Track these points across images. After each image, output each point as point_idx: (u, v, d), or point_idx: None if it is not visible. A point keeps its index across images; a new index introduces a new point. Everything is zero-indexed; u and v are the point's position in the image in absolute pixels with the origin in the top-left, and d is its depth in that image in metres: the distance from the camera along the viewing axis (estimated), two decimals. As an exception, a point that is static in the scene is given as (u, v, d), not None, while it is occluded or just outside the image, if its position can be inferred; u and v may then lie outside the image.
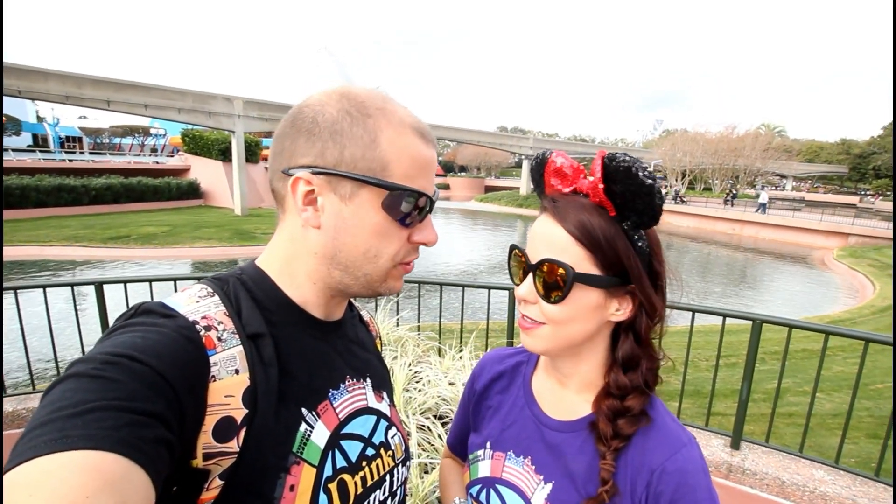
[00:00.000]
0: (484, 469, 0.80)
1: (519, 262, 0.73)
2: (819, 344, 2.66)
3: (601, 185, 0.64)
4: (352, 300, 0.81)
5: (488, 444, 0.81)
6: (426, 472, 2.12)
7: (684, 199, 37.13)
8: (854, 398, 2.66)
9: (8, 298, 3.45)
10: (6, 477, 0.36)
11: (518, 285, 0.72)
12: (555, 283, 0.66)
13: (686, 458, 0.65)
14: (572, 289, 0.65)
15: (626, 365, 0.70)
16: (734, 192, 39.79)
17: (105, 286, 3.43)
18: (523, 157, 47.32)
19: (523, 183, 46.99)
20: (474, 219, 36.02)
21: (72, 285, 3.43)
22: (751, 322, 2.79)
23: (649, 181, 0.61)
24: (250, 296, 0.62)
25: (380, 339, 0.93)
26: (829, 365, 6.50)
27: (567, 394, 0.77)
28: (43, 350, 3.75)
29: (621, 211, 0.65)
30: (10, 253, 16.53)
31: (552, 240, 0.67)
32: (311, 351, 0.65)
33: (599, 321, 0.69)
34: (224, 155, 31.10)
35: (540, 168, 0.72)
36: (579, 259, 0.65)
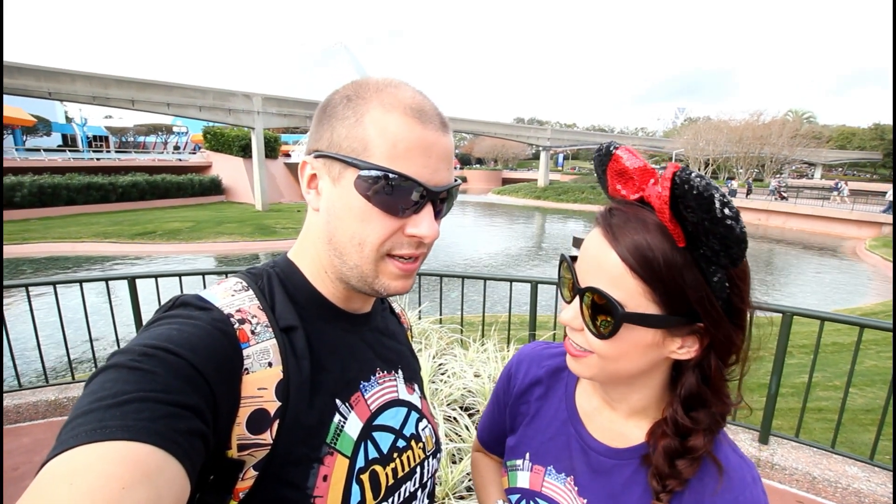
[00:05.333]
0: (523, 480, 0.77)
1: (568, 278, 0.63)
2: (850, 337, 2.58)
3: (667, 211, 0.52)
4: None
5: (527, 455, 0.77)
6: (454, 462, 2.15)
7: (784, 195, 30.58)
8: (891, 393, 2.58)
9: (47, 293, 3.61)
10: (49, 465, 0.38)
11: (567, 301, 0.63)
12: (603, 314, 0.57)
13: (751, 502, 0.59)
14: (622, 328, 0.56)
15: (689, 404, 0.61)
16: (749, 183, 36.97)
17: (137, 280, 3.56)
18: (541, 148, 46.74)
19: (541, 175, 46.43)
20: (492, 211, 35.81)
21: (106, 280, 3.56)
22: (780, 315, 2.73)
23: (730, 221, 0.49)
24: (283, 289, 0.64)
25: (410, 331, 0.93)
26: (861, 359, 6.27)
27: (615, 417, 0.69)
28: (78, 342, 3.91)
29: (692, 240, 0.53)
30: (45, 249, 17.19)
31: (602, 265, 0.56)
32: (341, 343, 0.66)
33: (655, 358, 0.60)
34: (244, 151, 31.60)
35: (602, 165, 0.61)
36: (633, 293, 0.54)
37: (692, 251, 0.54)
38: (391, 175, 0.56)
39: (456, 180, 0.64)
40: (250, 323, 0.57)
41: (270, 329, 0.58)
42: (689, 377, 0.60)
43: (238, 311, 0.57)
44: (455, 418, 2.37)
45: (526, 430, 0.80)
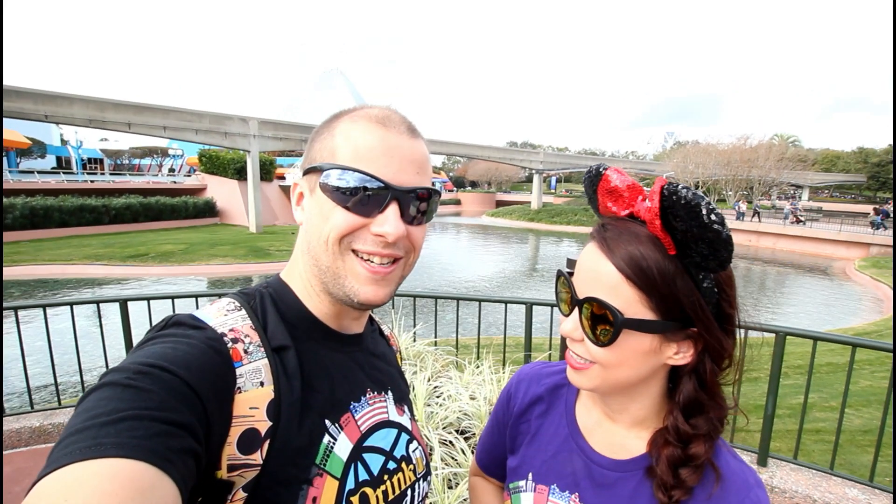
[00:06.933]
0: (526, 501, 0.76)
1: (566, 292, 0.66)
2: (844, 358, 2.60)
3: (657, 222, 0.56)
4: (371, 314, 0.82)
5: (530, 476, 0.76)
6: (450, 487, 2.10)
7: (801, 219, 29.20)
8: (886, 413, 2.58)
9: (36, 316, 3.55)
10: (42, 482, 0.37)
11: (565, 315, 0.66)
12: (602, 323, 0.59)
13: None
14: (621, 334, 0.58)
15: (688, 411, 0.63)
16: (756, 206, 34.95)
17: (129, 303, 3.51)
18: (534, 171, 47.39)
19: (534, 197, 46.95)
20: (486, 234, 35.99)
21: (97, 302, 3.52)
22: (774, 335, 2.75)
23: (717, 226, 0.52)
24: (276, 309, 0.65)
25: (400, 354, 0.93)
26: (856, 379, 6.29)
27: (616, 429, 0.70)
28: (65, 366, 3.82)
29: (682, 248, 0.56)
30: (34, 272, 16.94)
31: (599, 276, 0.59)
32: (332, 363, 0.67)
33: (654, 365, 0.62)
34: (239, 174, 31.76)
35: (593, 185, 0.65)
36: (630, 301, 0.57)
37: (682, 259, 0.57)
38: (346, 170, 0.60)
39: (434, 185, 0.66)
40: (243, 342, 0.57)
41: (262, 349, 0.59)
42: (687, 383, 0.63)
43: (231, 330, 0.58)
44: (451, 442, 2.33)
45: (527, 450, 0.79)
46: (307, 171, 0.65)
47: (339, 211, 0.60)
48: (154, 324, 0.58)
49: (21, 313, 3.31)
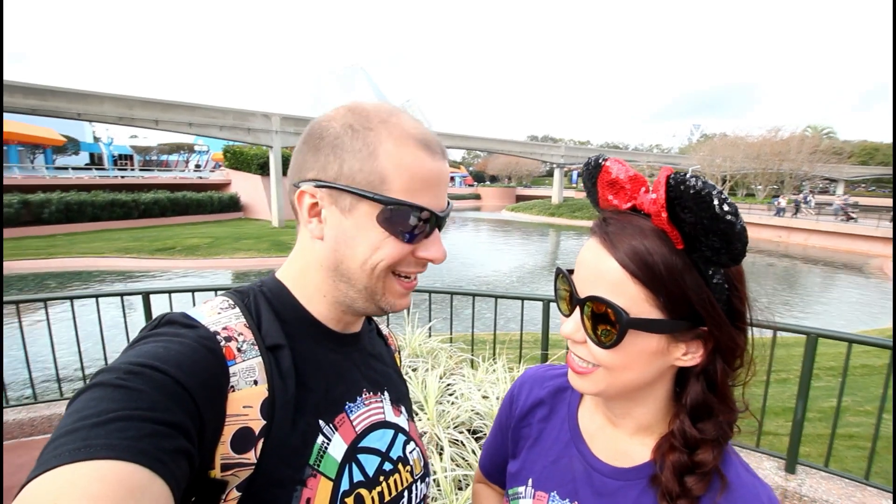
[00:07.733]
0: None
1: (565, 291, 0.62)
2: (880, 360, 2.46)
3: (664, 214, 0.52)
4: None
5: (530, 482, 0.74)
6: (460, 489, 2.08)
7: (852, 215, 26.84)
8: (893, 414, 2.43)
9: (64, 307, 3.68)
10: (31, 484, 0.37)
11: (565, 315, 0.62)
12: (605, 324, 0.56)
13: None
14: (626, 335, 0.55)
15: (696, 414, 0.59)
16: (796, 200, 31.87)
17: (151, 296, 3.61)
18: (555, 165, 46.84)
19: (555, 192, 46.43)
20: (506, 228, 35.79)
21: (121, 295, 3.63)
22: (805, 336, 2.62)
23: (730, 217, 0.48)
24: (270, 308, 0.64)
25: (398, 354, 0.92)
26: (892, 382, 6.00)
27: (619, 434, 0.67)
28: (95, 356, 3.98)
29: (691, 242, 0.53)
30: (69, 264, 17.70)
31: (601, 273, 0.55)
32: (327, 363, 0.66)
33: (661, 367, 0.59)
34: (263, 169, 32.37)
35: (592, 178, 0.61)
36: (636, 299, 0.54)
37: (691, 253, 0.54)
38: (413, 208, 0.59)
39: (449, 203, 0.67)
40: (236, 340, 0.57)
41: (256, 347, 0.58)
42: (695, 385, 0.59)
43: (224, 328, 0.57)
44: (462, 442, 2.30)
45: (528, 455, 0.77)
46: (337, 187, 0.60)
47: (393, 242, 0.60)
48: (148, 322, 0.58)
49: (55, 304, 3.43)
